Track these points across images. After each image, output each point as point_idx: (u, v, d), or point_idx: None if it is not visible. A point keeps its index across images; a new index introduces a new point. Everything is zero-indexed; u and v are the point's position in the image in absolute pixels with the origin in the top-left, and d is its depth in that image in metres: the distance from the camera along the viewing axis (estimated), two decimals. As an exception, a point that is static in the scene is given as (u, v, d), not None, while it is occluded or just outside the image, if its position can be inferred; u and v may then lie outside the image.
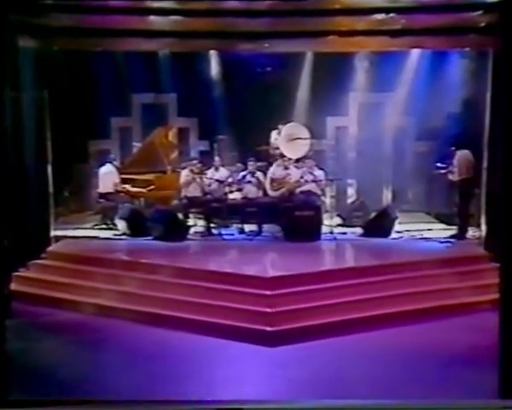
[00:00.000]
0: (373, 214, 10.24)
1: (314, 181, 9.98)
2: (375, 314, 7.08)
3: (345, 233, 10.05)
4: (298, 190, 10.13)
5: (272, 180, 10.34)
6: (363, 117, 12.37)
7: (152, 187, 10.98)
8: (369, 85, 12.12)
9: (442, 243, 9.29)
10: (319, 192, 10.18)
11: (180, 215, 10.05)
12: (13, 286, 7.70)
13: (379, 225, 9.81)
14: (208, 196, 10.30)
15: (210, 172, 10.53)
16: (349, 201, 12.13)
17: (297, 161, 10.57)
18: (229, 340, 6.59)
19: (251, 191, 10.27)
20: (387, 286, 7.51)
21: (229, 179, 10.42)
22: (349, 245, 9.55)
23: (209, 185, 10.34)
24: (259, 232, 9.93)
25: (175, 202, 10.92)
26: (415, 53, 11.53)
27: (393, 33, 9.30)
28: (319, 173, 10.10)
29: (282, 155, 10.64)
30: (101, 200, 10.89)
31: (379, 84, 11.94)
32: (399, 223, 10.09)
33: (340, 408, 4.72)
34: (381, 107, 12.24)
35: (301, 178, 10.07)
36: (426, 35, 9.49)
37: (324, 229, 9.76)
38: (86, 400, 4.82)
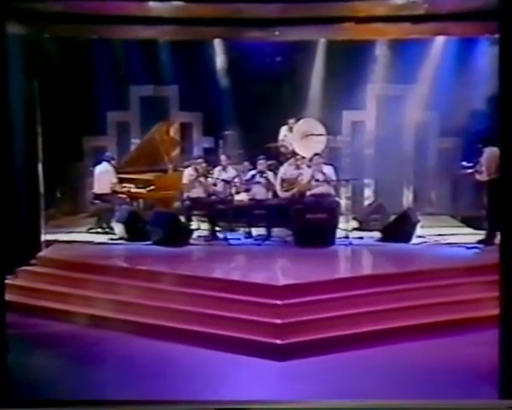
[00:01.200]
0: (392, 217, 10.25)
1: (326, 181, 9.98)
2: (394, 327, 7.06)
3: (361, 238, 10.07)
4: (310, 191, 10.13)
5: (283, 180, 10.35)
6: (382, 111, 12.38)
7: (152, 187, 11.02)
8: (389, 76, 12.14)
9: (469, 248, 9.26)
10: (333, 192, 10.18)
11: (182, 218, 10.08)
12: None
13: (399, 229, 9.80)
14: (213, 198, 10.31)
15: (215, 172, 10.57)
16: (366, 202, 12.15)
17: (310, 159, 10.59)
18: (236, 354, 6.59)
19: (259, 192, 10.28)
20: (408, 296, 7.49)
21: (236, 179, 10.43)
22: (366, 251, 9.56)
23: (214, 186, 10.36)
24: (268, 237, 9.96)
25: (177, 203, 10.97)
26: (438, 40, 11.53)
27: (415, 19, 9.30)
28: (329, 171, 10.07)
29: (294, 154, 10.67)
30: (97, 201, 10.91)
31: (399, 75, 11.94)
32: (421, 227, 10.07)
33: (340, 408, 4.89)
34: (402, 100, 12.24)
35: (312, 177, 10.06)
36: (451, 20, 9.47)
37: (339, 233, 9.77)
38: (86, 400, 5.02)
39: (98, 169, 10.98)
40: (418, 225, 9.94)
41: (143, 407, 4.89)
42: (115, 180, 10.92)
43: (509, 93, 5.23)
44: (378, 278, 7.77)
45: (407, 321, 7.16)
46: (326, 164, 10.18)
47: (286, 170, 10.49)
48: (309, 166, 10.44)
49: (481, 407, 5.04)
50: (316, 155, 10.16)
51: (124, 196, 11.00)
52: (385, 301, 7.36)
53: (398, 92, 12.30)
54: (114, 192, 10.88)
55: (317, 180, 10.03)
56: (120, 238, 10.01)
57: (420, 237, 9.92)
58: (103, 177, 10.89)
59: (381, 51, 12.04)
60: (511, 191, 4.60)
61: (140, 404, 4.94)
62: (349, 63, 11.83)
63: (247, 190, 10.43)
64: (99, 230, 10.72)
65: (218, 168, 10.61)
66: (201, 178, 10.29)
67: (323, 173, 9.95)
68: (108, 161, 11.01)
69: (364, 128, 12.58)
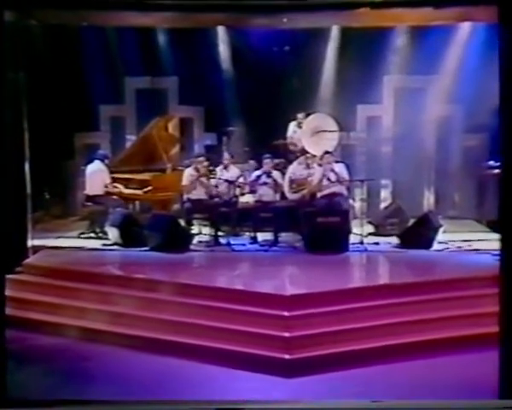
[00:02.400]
0: (411, 221, 10.26)
1: (339, 181, 10.00)
2: (414, 341, 7.06)
3: (377, 243, 10.09)
4: (321, 192, 10.16)
5: (292, 181, 10.38)
6: (400, 105, 12.41)
7: (149, 188, 11.06)
8: (408, 67, 12.16)
9: (495, 256, 9.26)
10: (346, 193, 10.21)
11: (182, 222, 10.12)
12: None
13: (419, 234, 9.81)
14: (215, 200, 10.37)
15: (217, 171, 10.62)
16: (383, 205, 12.16)
17: (321, 158, 10.61)
18: (241, 369, 6.62)
19: (266, 194, 10.33)
20: (429, 308, 7.49)
21: (241, 180, 10.49)
22: (382, 258, 9.59)
23: (216, 187, 10.42)
24: (276, 242, 9.99)
25: (176, 205, 11.01)
26: (463, 27, 11.53)
27: (437, 4, 9.29)
28: (340, 169, 10.10)
29: (304, 152, 10.69)
30: (89, 203, 10.96)
31: (419, 66, 11.95)
32: (443, 232, 10.08)
33: (340, 408, 5.11)
34: (422, 93, 12.26)
35: (323, 177, 10.08)
36: (476, 5, 9.45)
37: (353, 238, 9.79)
38: (86, 400, 5.27)
39: (90, 168, 11.01)
40: (440, 230, 9.95)
41: (143, 406, 5.17)
42: (109, 180, 10.95)
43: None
44: (395, 287, 7.78)
45: (427, 335, 7.16)
46: (338, 162, 10.22)
47: (295, 169, 10.52)
48: (320, 166, 10.47)
49: (481, 407, 5.31)
50: (326, 153, 10.20)
51: (118, 197, 11.03)
52: (403, 313, 7.37)
53: (418, 84, 12.31)
54: (108, 193, 10.92)
55: (329, 180, 10.06)
56: (114, 244, 10.05)
57: (442, 243, 9.93)
58: (96, 177, 10.93)
59: (399, 39, 12.06)
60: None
61: (140, 404, 5.21)
62: (364, 53, 11.87)
63: (253, 192, 10.48)
64: (91, 234, 10.76)
65: (221, 168, 10.67)
66: (203, 179, 10.34)
67: (336, 173, 9.98)
68: (101, 160, 11.02)
69: (381, 124, 12.60)
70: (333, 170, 10.00)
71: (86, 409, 5.17)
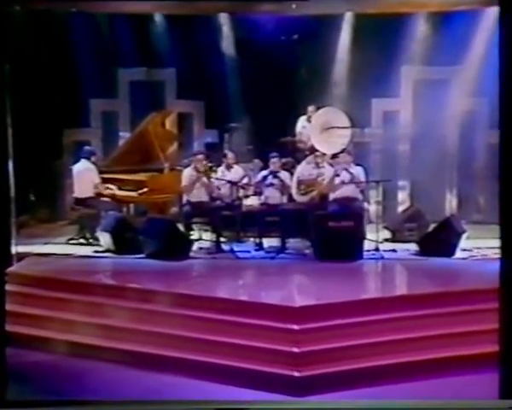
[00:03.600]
0: (432, 226, 10.28)
1: (353, 182, 10.03)
2: (436, 358, 7.08)
3: (394, 251, 10.14)
4: (333, 193, 10.19)
5: (300, 182, 10.40)
6: (420, 99, 12.42)
7: (144, 190, 11.09)
8: (428, 57, 12.17)
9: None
10: (360, 197, 10.24)
11: (181, 226, 10.16)
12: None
13: (440, 240, 9.83)
14: (217, 202, 10.41)
15: (220, 171, 10.66)
16: (400, 208, 12.18)
17: (333, 156, 10.63)
18: (246, 388, 6.65)
19: (272, 196, 10.36)
20: (452, 321, 7.50)
21: (245, 180, 10.53)
22: (400, 266, 9.63)
23: (218, 188, 10.46)
24: (283, 249, 10.04)
25: (174, 209, 11.05)
26: (489, 12, 11.53)
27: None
28: (357, 171, 10.16)
29: (314, 150, 10.70)
30: (78, 206, 10.97)
31: (441, 56, 11.95)
32: (467, 238, 10.10)
33: (340, 408, 5.37)
34: (444, 85, 12.27)
35: (336, 177, 10.10)
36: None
37: (367, 245, 9.85)
38: (85, 400, 5.58)
39: (76, 169, 11.03)
40: (463, 236, 9.97)
41: (144, 406, 5.47)
42: (98, 180, 10.95)
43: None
44: (414, 299, 7.78)
45: (450, 352, 7.17)
46: (356, 164, 10.25)
47: (304, 169, 10.55)
48: (331, 165, 10.50)
49: (481, 407, 5.66)
50: (343, 151, 10.23)
51: (111, 200, 11.05)
52: (423, 326, 7.37)
53: (439, 76, 12.32)
54: (99, 195, 10.93)
55: (342, 181, 10.09)
56: (107, 251, 10.10)
57: (465, 250, 9.95)
58: (84, 177, 10.94)
59: (418, 27, 12.07)
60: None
61: (140, 404, 5.51)
62: (380, 42, 11.87)
63: (258, 194, 10.51)
64: (81, 240, 10.81)
65: (223, 167, 10.70)
66: (203, 179, 10.37)
67: (350, 173, 10.01)
68: (87, 158, 11.02)
69: (398, 119, 12.62)
70: (347, 170, 10.03)
71: (86, 409, 5.45)
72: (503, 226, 5.68)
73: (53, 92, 12.02)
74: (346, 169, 10.09)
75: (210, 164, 10.67)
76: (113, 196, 11.10)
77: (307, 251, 9.87)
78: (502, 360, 5.46)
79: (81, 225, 10.98)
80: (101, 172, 11.12)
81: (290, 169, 10.79)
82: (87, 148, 11.41)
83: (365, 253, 9.67)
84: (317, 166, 10.49)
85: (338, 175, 10.12)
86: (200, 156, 10.53)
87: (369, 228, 10.22)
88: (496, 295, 7.91)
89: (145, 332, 7.56)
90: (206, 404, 5.58)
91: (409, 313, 7.51)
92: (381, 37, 11.81)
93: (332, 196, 10.21)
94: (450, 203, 12.45)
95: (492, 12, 11.42)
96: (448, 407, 5.44)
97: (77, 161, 11.15)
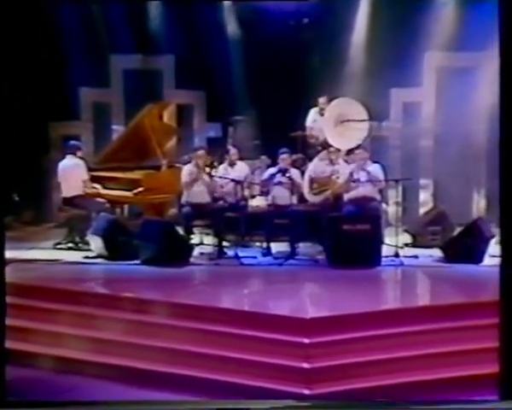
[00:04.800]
0: (457, 230, 10.29)
1: (370, 181, 10.04)
2: (462, 375, 7.06)
3: (416, 257, 10.16)
4: (348, 194, 10.21)
5: (312, 180, 10.42)
6: (444, 88, 12.42)
7: (140, 189, 11.12)
8: (454, 42, 12.14)
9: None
10: (378, 197, 10.27)
11: (180, 230, 10.22)
12: None
13: (466, 245, 9.84)
14: (220, 203, 10.47)
15: (223, 169, 10.69)
16: (422, 210, 12.19)
17: (348, 152, 10.65)
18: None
19: (281, 196, 10.40)
20: (479, 335, 7.45)
21: (251, 179, 10.55)
22: (422, 274, 9.65)
23: (221, 187, 10.50)
24: (292, 254, 10.08)
25: (172, 210, 11.08)
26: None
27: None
28: (375, 169, 10.20)
29: (327, 145, 10.72)
30: (67, 207, 11.02)
31: (469, 40, 11.92)
32: (496, 243, 10.11)
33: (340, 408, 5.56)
34: (471, 73, 12.25)
35: (351, 176, 10.12)
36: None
37: (386, 250, 9.89)
38: (86, 400, 5.82)
39: (62, 165, 11.09)
40: (492, 241, 9.99)
41: (143, 406, 5.75)
42: (87, 176, 10.98)
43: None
44: (437, 310, 7.77)
45: (477, 369, 7.12)
46: (374, 163, 10.27)
47: (316, 166, 10.57)
48: (346, 162, 10.51)
49: (481, 408, 5.93)
50: (359, 146, 10.25)
51: (103, 200, 11.09)
52: (447, 340, 7.36)
53: (466, 63, 12.30)
54: (88, 194, 10.97)
55: (358, 180, 10.10)
56: (98, 256, 10.14)
57: (494, 256, 9.95)
58: (71, 174, 10.98)
59: (443, 7, 12.05)
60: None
61: (140, 404, 5.78)
62: (400, 25, 11.87)
63: (265, 193, 10.56)
64: (70, 245, 10.87)
65: (227, 164, 10.74)
66: (205, 177, 10.42)
67: (367, 172, 10.02)
68: (73, 153, 11.07)
69: (420, 111, 12.62)
70: (364, 169, 10.07)
71: (86, 409, 5.63)
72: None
73: (38, 81, 12.05)
74: (363, 167, 10.10)
75: (212, 161, 10.67)
76: (105, 196, 11.14)
77: (319, 257, 9.93)
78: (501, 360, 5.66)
79: (70, 228, 11.02)
80: (92, 170, 11.18)
81: (301, 166, 10.81)
82: (72, 142, 11.40)
83: (383, 259, 9.70)
84: (331, 162, 10.50)
85: (354, 173, 10.13)
86: (202, 152, 10.60)
87: (388, 232, 10.27)
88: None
89: (141, 346, 7.57)
90: (206, 404, 5.74)
91: (432, 325, 7.50)
92: (401, 19, 11.82)
93: (347, 197, 10.22)
94: (478, 205, 12.46)
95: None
96: (448, 408, 5.45)
97: (65, 156, 11.20)
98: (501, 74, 6.28)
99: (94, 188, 11.11)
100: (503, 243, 6.65)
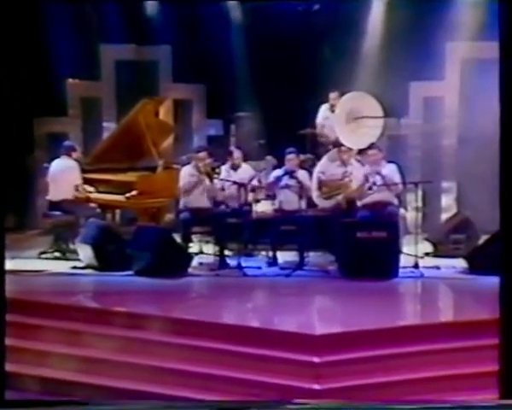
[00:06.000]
0: (483, 239, 10.30)
1: (386, 184, 10.05)
2: (487, 398, 7.02)
3: (437, 268, 10.17)
4: (362, 198, 10.23)
5: (322, 183, 10.45)
6: (469, 82, 12.42)
7: (133, 193, 11.15)
8: (479, 30, 12.14)
9: None
10: (395, 202, 10.29)
11: (177, 237, 10.25)
12: None
13: (492, 255, 9.85)
14: (222, 208, 10.51)
15: (225, 171, 10.72)
16: (444, 216, 12.19)
17: (361, 152, 10.66)
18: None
19: (288, 200, 10.42)
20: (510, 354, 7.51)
21: (255, 181, 10.61)
22: (444, 287, 9.68)
23: (223, 190, 10.55)
24: (301, 264, 10.09)
25: (169, 216, 11.10)
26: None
27: None
28: (391, 172, 10.21)
29: (338, 144, 10.73)
30: (54, 212, 11.07)
31: (495, 29, 11.91)
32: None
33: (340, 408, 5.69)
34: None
35: (366, 179, 10.12)
36: None
37: (404, 260, 9.90)
38: (86, 400, 6.14)
39: (55, 166, 11.13)
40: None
41: (143, 406, 6.09)
42: (80, 181, 11.05)
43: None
44: (462, 327, 7.77)
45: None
46: (388, 163, 10.28)
47: (326, 168, 10.61)
48: (360, 162, 10.53)
49: (481, 407, 6.14)
50: (371, 146, 10.27)
51: (93, 204, 11.12)
52: (473, 360, 7.37)
53: (493, 54, 12.28)
54: (79, 199, 11.00)
55: (374, 184, 10.12)
56: (88, 266, 10.17)
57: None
58: (62, 177, 11.04)
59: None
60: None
61: (140, 404, 6.11)
62: (420, 11, 11.89)
63: (271, 197, 10.59)
64: (56, 254, 10.90)
65: (229, 166, 10.79)
66: (206, 182, 10.46)
67: (382, 175, 10.03)
68: (67, 154, 11.12)
69: (442, 107, 12.62)
70: (379, 172, 10.09)
71: (86, 409, 5.88)
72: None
73: (22, 73, 12.07)
74: (378, 168, 10.11)
75: (214, 164, 10.68)
76: (95, 200, 11.18)
77: (330, 267, 9.96)
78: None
79: (56, 236, 11.05)
80: (81, 172, 11.19)
81: (309, 168, 10.83)
82: (67, 143, 11.51)
83: (401, 270, 9.71)
84: (343, 163, 10.54)
85: (368, 177, 10.15)
86: (203, 154, 10.57)
87: (406, 240, 10.29)
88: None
89: (134, 366, 7.57)
90: (206, 404, 5.90)
91: (455, 344, 7.52)
92: (421, 5, 11.83)
93: (361, 201, 10.24)
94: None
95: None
96: (448, 407, 5.49)
97: (56, 156, 11.25)
98: (501, 74, 6.33)
99: (88, 191, 11.16)
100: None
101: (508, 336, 6.34)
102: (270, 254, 10.42)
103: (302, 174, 10.47)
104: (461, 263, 10.16)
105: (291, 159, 10.41)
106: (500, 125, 6.35)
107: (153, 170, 11.48)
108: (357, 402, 6.55)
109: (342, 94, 11.16)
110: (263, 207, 10.77)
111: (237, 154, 10.86)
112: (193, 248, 10.59)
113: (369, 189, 10.10)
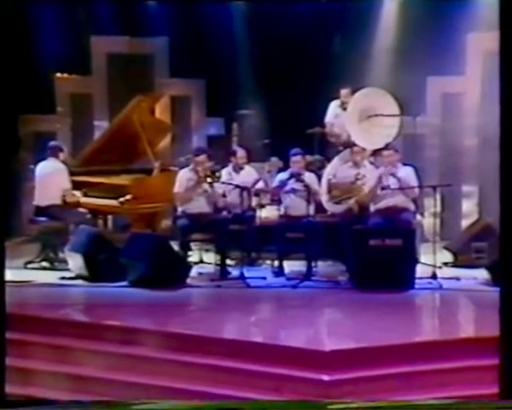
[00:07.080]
0: (507, 247, 10.35)
1: (401, 188, 10.07)
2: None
3: (457, 279, 10.21)
4: (376, 203, 10.26)
5: (332, 186, 10.47)
6: (492, 77, 12.43)
7: (127, 197, 11.17)
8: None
9: None
10: (411, 207, 10.32)
11: (175, 245, 10.27)
12: None
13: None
14: (223, 214, 10.56)
15: (227, 174, 10.76)
16: (465, 223, 12.21)
17: (375, 153, 10.69)
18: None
19: (295, 205, 10.48)
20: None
21: (259, 185, 10.64)
22: (465, 299, 9.71)
23: (224, 195, 10.58)
24: (309, 274, 10.13)
25: (166, 222, 11.13)
26: None
27: None
28: (407, 174, 10.25)
29: (350, 144, 10.76)
30: (41, 218, 11.09)
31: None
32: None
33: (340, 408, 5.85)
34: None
35: (380, 182, 10.14)
36: None
37: (421, 270, 9.93)
38: (86, 400, 6.39)
39: (41, 169, 11.18)
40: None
41: (143, 406, 6.23)
42: (69, 185, 11.09)
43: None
44: (484, 343, 7.74)
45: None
46: (405, 165, 10.30)
47: (337, 169, 10.65)
48: (373, 165, 10.55)
49: (481, 407, 6.30)
50: (387, 146, 10.29)
51: (83, 209, 11.14)
52: (492, 379, 7.27)
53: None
54: (68, 204, 11.04)
55: (388, 187, 10.14)
56: (78, 277, 10.20)
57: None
58: (49, 180, 11.08)
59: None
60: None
61: (140, 404, 6.26)
62: (438, 2, 11.91)
63: (276, 202, 10.62)
64: (44, 263, 10.93)
65: (231, 168, 10.83)
66: (205, 186, 10.49)
67: (398, 178, 10.05)
68: (55, 156, 11.16)
69: (462, 104, 12.64)
70: (395, 175, 10.12)
71: (86, 409, 6.16)
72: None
73: (6, 67, 12.11)
74: (393, 171, 10.13)
75: (214, 167, 10.70)
76: (85, 205, 11.21)
77: (341, 278, 10.00)
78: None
79: (43, 244, 11.09)
80: (70, 174, 11.22)
81: (317, 170, 10.85)
82: (53, 143, 11.53)
83: (418, 281, 9.74)
84: (356, 165, 10.57)
85: (383, 178, 10.19)
86: (202, 157, 10.54)
87: (424, 248, 10.32)
88: None
89: (127, 384, 7.59)
90: (206, 404, 6.00)
91: (477, 362, 7.53)
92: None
93: (374, 206, 10.27)
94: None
95: None
96: (448, 407, 5.60)
97: (41, 158, 11.29)
98: (501, 74, 6.38)
99: (78, 196, 11.20)
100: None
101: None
102: (276, 263, 10.47)
103: (309, 177, 10.50)
104: (483, 274, 10.16)
105: (297, 161, 10.45)
106: (500, 125, 6.41)
107: (148, 172, 11.53)
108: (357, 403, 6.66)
109: (354, 90, 11.16)
110: (267, 213, 10.81)
111: (241, 153, 10.91)
112: (192, 256, 10.65)
113: (383, 189, 10.09)
